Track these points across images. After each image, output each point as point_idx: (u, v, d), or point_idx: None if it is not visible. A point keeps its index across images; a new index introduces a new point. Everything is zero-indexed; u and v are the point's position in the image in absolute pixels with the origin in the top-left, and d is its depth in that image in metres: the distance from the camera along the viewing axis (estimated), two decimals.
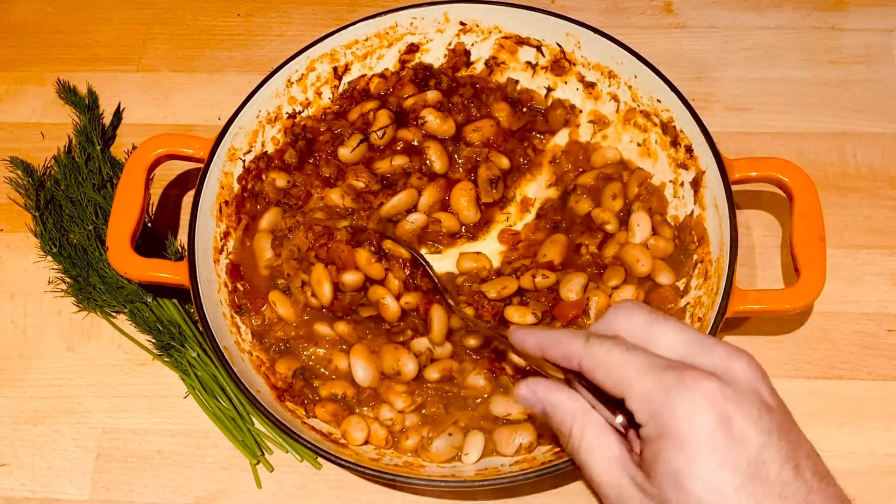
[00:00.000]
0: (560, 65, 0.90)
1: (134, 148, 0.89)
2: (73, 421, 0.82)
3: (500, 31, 0.91)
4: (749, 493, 0.45)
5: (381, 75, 0.93)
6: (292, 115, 0.90)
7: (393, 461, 0.73)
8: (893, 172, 0.92)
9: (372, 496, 0.77)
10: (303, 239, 0.81)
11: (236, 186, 0.85)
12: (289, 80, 0.88)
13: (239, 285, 0.82)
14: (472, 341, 0.77)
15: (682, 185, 0.83)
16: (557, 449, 0.72)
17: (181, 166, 0.93)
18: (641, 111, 0.86)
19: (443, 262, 0.84)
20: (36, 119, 1.00)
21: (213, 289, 0.78)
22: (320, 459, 0.78)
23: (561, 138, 0.91)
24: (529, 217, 0.87)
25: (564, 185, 0.87)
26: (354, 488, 0.78)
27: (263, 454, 0.79)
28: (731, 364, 0.49)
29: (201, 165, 0.82)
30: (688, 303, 0.78)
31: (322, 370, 0.78)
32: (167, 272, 0.77)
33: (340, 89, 0.92)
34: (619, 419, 0.50)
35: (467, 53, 0.93)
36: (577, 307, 0.77)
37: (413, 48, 0.92)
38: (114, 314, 0.86)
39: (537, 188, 0.89)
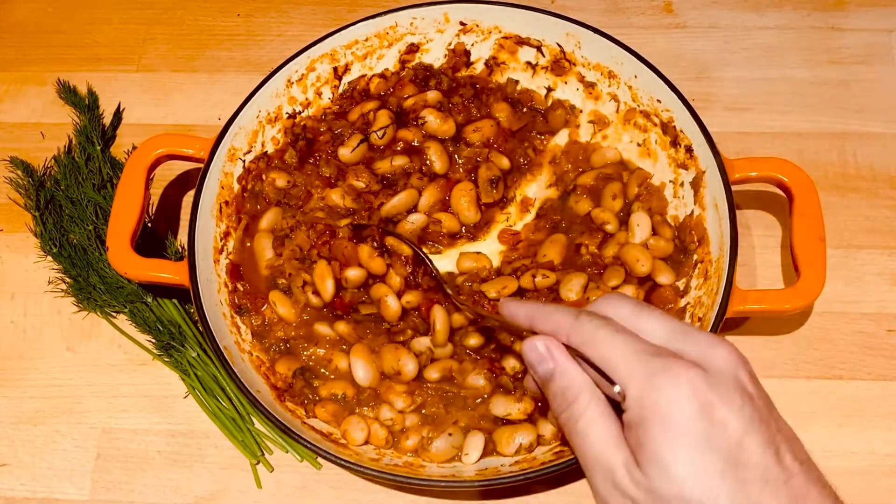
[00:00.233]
0: (560, 65, 0.90)
1: (134, 148, 0.89)
2: (73, 421, 0.82)
3: (500, 32, 0.91)
4: (732, 477, 0.46)
5: (382, 75, 0.93)
6: (292, 116, 0.90)
7: (393, 461, 0.73)
8: (893, 172, 0.92)
9: (372, 496, 0.77)
10: (305, 238, 0.81)
11: (236, 186, 0.85)
12: (289, 81, 0.88)
13: (239, 285, 0.82)
14: (472, 341, 0.77)
15: (682, 185, 0.83)
16: (557, 449, 0.72)
17: (181, 166, 0.93)
18: (641, 111, 0.86)
19: (443, 262, 0.84)
20: (36, 119, 1.00)
21: (213, 289, 0.78)
22: (320, 459, 0.78)
23: (561, 138, 0.91)
24: (529, 217, 0.87)
25: (564, 185, 0.87)
26: (354, 488, 0.78)
27: (263, 454, 0.79)
28: (714, 352, 0.50)
29: (201, 165, 0.82)
30: (688, 303, 0.78)
31: (322, 370, 0.78)
32: (167, 272, 0.77)
33: (340, 89, 0.92)
34: (618, 388, 0.50)
35: (467, 53, 0.93)
36: (577, 307, 0.76)
37: (413, 48, 0.92)
38: (114, 314, 0.86)
39: (537, 188, 0.89)
